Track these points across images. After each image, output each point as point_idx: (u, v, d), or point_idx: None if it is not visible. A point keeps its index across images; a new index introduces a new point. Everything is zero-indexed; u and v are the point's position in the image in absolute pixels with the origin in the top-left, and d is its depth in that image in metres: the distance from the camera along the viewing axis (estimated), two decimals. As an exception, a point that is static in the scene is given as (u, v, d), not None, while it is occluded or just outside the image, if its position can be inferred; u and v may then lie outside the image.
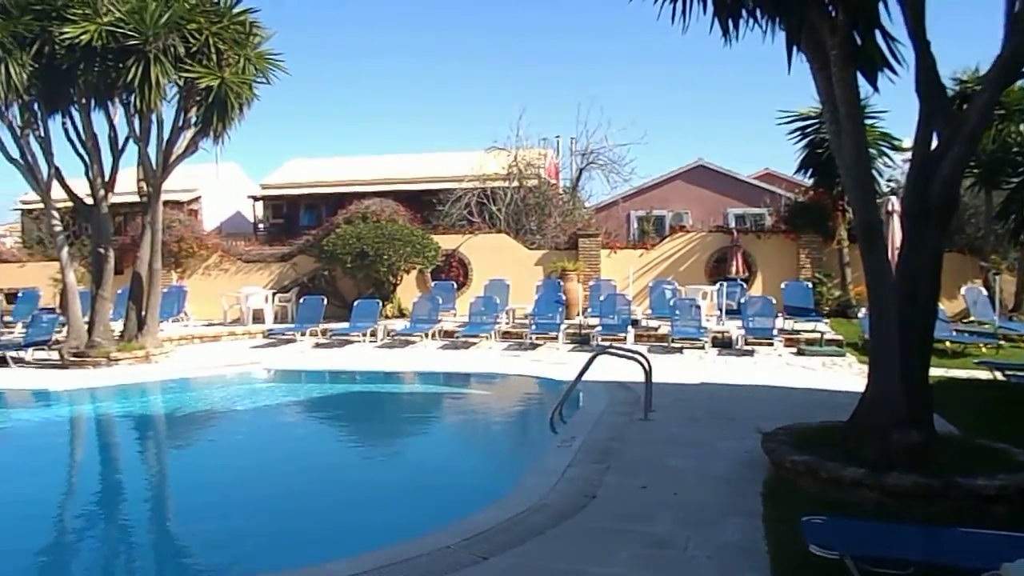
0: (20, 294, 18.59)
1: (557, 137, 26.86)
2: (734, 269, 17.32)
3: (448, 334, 15.87)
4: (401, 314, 17.69)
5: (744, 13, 6.66)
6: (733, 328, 14.41)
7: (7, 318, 17.56)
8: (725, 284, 16.29)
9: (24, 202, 26.59)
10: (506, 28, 60.90)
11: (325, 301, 16.77)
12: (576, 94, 57.90)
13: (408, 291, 18.24)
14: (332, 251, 17.62)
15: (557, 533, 5.34)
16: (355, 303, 16.58)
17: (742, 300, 15.28)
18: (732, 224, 21.19)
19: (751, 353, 13.40)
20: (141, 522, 7.45)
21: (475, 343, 15.23)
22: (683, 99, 59.82)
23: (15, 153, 13.54)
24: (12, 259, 20.74)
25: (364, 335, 15.76)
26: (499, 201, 21.35)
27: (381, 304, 16.72)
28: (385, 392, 12.75)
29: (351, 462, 8.97)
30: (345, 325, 16.11)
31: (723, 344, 14.05)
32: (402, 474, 8.29)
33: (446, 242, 18.77)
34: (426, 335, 15.59)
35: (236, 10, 13.38)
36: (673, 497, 6.02)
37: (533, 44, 60.80)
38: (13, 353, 14.21)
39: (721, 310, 15.79)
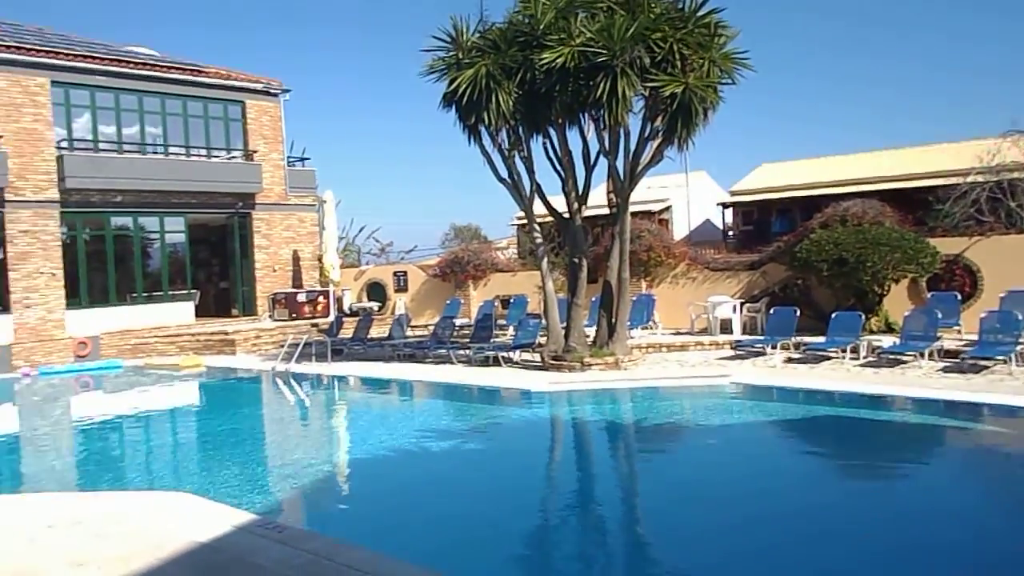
0: (512, 300, 21.26)
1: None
2: None
3: (950, 354, 13.70)
4: (889, 329, 15.87)
5: None
6: None
7: (501, 321, 20.15)
8: None
9: (519, 217, 30.54)
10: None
11: (798, 312, 15.83)
12: None
13: (897, 303, 16.28)
14: (806, 258, 16.58)
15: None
16: (833, 315, 15.32)
17: None
18: None
19: None
20: (613, 524, 7.74)
21: (988, 367, 12.87)
22: None
23: (503, 173, 15.43)
24: (506, 269, 23.87)
25: (843, 351, 14.45)
26: (1020, 195, 17.93)
27: (864, 317, 15.19)
28: (869, 419, 11.36)
29: (828, 499, 8.03)
30: (821, 339, 14.99)
31: None
32: (890, 524, 7.11)
33: (947, 246, 16.32)
34: (921, 355, 13.68)
35: (700, 13, 13.39)
36: None
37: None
38: (504, 353, 16.22)
39: None
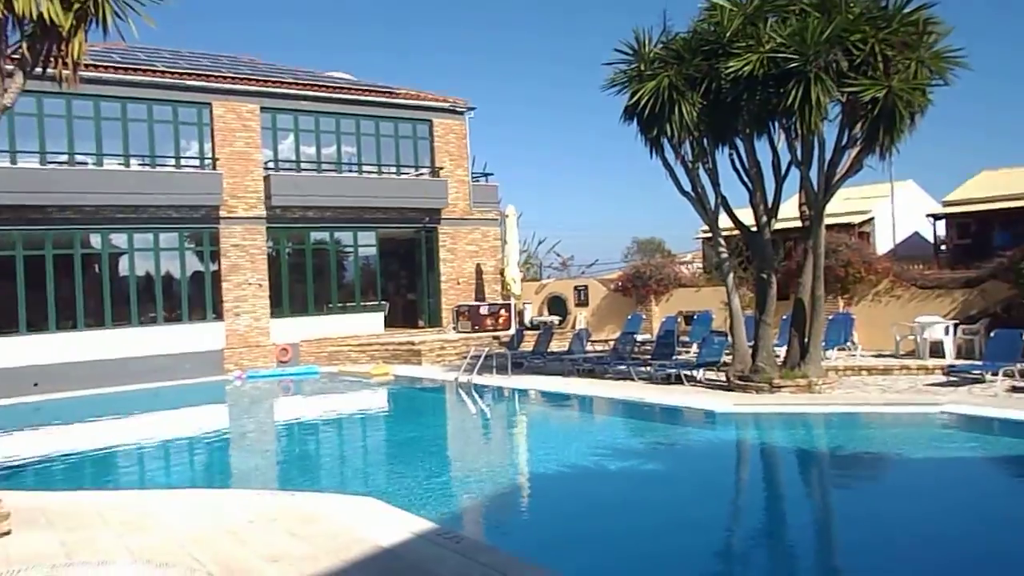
0: (696, 316, 20.82)
1: None
2: None
3: None
4: None
5: None
6: None
7: (684, 338, 19.78)
8: None
9: (703, 231, 29.90)
10: None
11: (1024, 336, 14.40)
12: None
13: None
14: (1032, 275, 15.09)
15: None
16: (1068, 340, 13.81)
17: None
18: None
19: None
20: (802, 560, 7.35)
21: None
22: None
23: (687, 186, 15.19)
24: (690, 284, 23.41)
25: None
26: None
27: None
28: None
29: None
30: (1051, 366, 13.55)
31: None
32: None
33: None
34: None
35: (906, 10, 12.58)
36: None
37: None
38: (687, 372, 15.91)
39: None
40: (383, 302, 25.93)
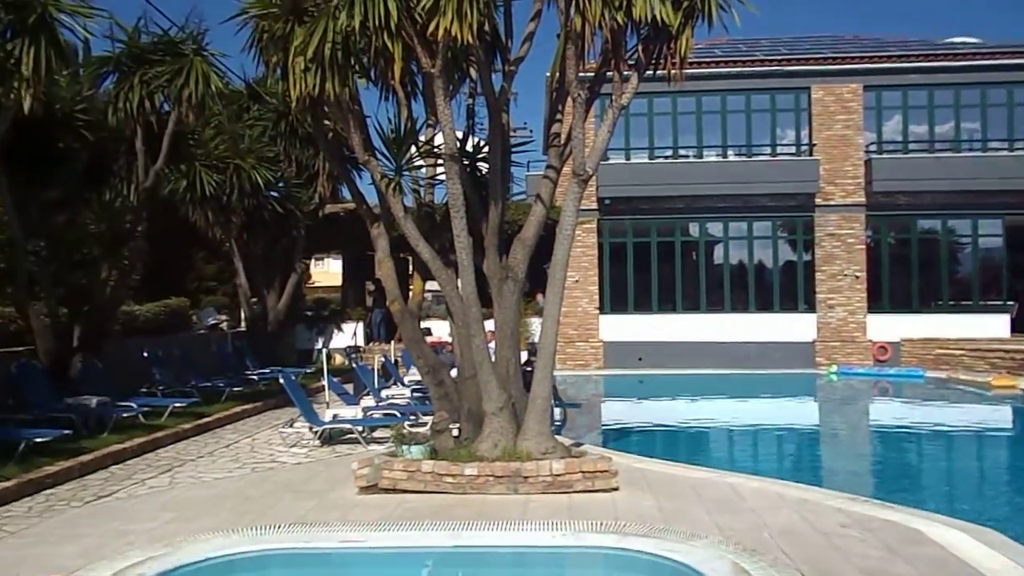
0: None
1: None
2: None
3: None
4: None
5: None
6: None
7: None
8: None
9: None
10: None
11: None
12: None
13: None
14: None
15: None
16: None
17: None
18: None
19: None
20: None
21: None
22: None
23: None
24: None
25: None
26: None
27: None
28: None
29: None
30: None
31: None
32: None
33: None
34: None
35: None
36: None
37: None
38: None
39: None
40: (1010, 303, 22.40)
